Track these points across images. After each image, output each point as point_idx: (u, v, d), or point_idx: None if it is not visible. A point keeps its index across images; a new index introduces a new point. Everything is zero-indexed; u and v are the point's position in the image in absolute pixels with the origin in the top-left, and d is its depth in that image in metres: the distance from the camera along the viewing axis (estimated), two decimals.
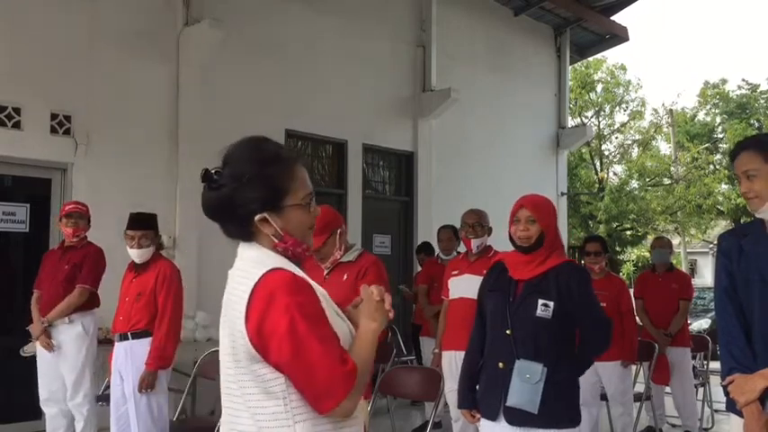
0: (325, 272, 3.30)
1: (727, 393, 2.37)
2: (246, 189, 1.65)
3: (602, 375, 5.01)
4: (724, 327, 2.44)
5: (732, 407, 2.36)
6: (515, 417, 2.75)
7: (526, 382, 2.72)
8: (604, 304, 4.56)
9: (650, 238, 20.61)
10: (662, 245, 6.26)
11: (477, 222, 4.66)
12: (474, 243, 4.65)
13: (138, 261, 4.50)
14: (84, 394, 4.82)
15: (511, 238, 2.95)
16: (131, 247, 4.45)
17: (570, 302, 2.80)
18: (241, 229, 1.69)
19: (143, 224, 4.47)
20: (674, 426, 6.30)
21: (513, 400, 2.74)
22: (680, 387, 6.02)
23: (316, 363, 1.55)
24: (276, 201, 1.67)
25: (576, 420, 2.81)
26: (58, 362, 4.81)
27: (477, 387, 2.95)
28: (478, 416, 2.92)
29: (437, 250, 6.82)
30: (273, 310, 1.56)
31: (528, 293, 2.83)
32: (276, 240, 1.68)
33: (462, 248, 5.29)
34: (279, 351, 1.55)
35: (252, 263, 1.66)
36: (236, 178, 1.65)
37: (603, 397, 5.21)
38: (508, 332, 2.82)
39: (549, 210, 2.96)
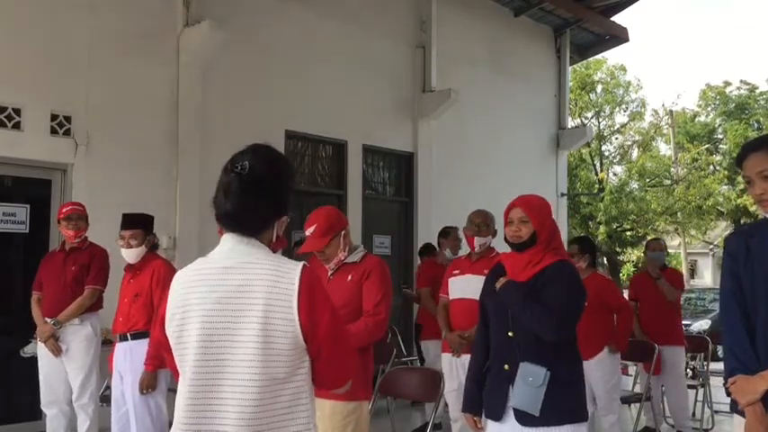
0: (330, 272, 3.29)
1: (728, 394, 2.37)
2: (285, 191, 1.88)
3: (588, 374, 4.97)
4: (728, 328, 2.42)
5: (736, 407, 2.37)
6: (520, 416, 2.77)
7: (529, 386, 2.73)
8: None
9: (650, 238, 20.59)
10: (658, 248, 6.32)
11: (483, 222, 4.70)
12: (477, 241, 4.67)
13: (129, 261, 4.53)
14: (90, 394, 4.83)
15: (506, 239, 2.97)
16: (122, 247, 4.50)
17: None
18: (263, 226, 1.85)
19: (132, 224, 4.50)
20: (672, 426, 6.30)
21: (516, 401, 2.76)
22: (672, 387, 6.05)
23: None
24: (286, 209, 1.90)
25: (582, 417, 2.81)
26: (64, 363, 4.80)
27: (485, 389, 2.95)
28: (480, 424, 2.93)
29: (439, 250, 6.77)
30: (318, 301, 1.79)
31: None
32: (274, 241, 1.89)
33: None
34: (324, 337, 1.78)
35: (270, 257, 1.82)
36: (280, 179, 1.87)
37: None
38: (510, 334, 2.83)
39: (542, 209, 2.94)
